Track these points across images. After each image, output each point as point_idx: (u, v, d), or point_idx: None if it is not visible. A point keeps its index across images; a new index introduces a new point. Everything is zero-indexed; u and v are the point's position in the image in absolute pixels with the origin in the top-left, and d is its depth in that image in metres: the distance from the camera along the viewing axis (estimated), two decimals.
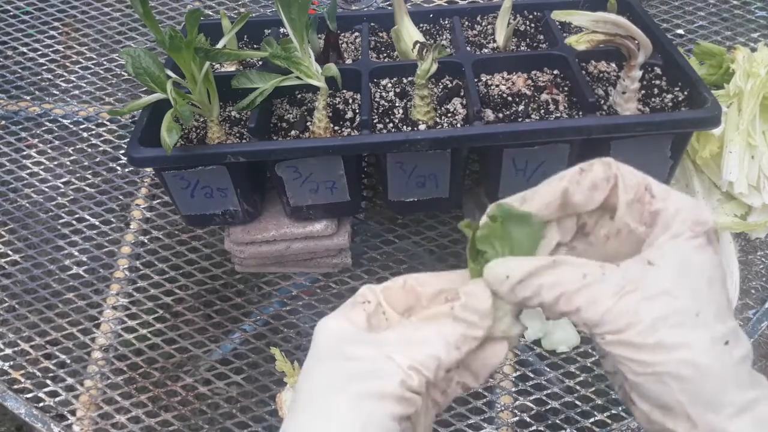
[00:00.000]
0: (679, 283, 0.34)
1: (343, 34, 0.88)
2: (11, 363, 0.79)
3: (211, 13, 1.18)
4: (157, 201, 0.94)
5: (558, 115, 0.73)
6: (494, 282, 0.36)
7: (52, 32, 1.17)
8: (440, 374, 0.36)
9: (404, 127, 0.72)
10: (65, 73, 1.10)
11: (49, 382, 0.77)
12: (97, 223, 0.91)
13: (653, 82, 0.77)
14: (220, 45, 0.70)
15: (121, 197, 0.94)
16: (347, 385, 0.35)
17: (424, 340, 0.36)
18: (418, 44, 0.68)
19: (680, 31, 1.12)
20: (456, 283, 0.39)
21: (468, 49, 0.81)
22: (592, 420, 0.72)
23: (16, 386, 0.76)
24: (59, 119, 1.04)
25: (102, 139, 1.01)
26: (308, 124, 0.74)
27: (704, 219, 0.35)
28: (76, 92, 1.07)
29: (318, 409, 0.35)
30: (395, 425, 0.34)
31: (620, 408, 0.73)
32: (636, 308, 0.33)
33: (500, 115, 0.74)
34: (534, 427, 0.72)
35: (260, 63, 0.84)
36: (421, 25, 0.88)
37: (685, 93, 0.74)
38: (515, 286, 0.35)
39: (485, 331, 0.37)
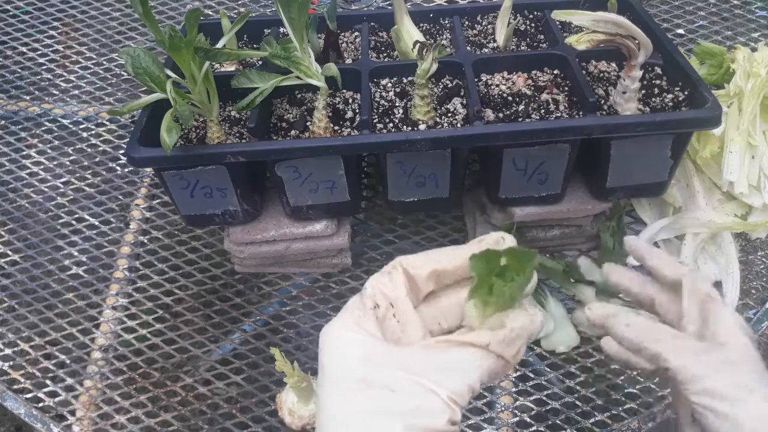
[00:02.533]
0: None
1: (343, 34, 0.88)
2: (11, 363, 0.78)
3: (210, 13, 1.18)
4: (157, 201, 0.94)
5: (558, 115, 0.73)
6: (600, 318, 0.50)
7: (51, 32, 1.17)
8: (466, 403, 0.36)
9: (404, 127, 0.72)
10: (65, 73, 1.10)
11: (48, 382, 0.77)
12: (96, 223, 0.91)
13: (654, 81, 0.77)
14: (219, 45, 0.70)
15: (120, 197, 0.94)
16: (392, 421, 0.33)
17: (459, 368, 0.35)
18: (418, 44, 0.68)
19: (681, 31, 1.12)
20: (449, 263, 0.39)
21: (468, 48, 0.81)
22: (592, 420, 0.72)
23: (15, 386, 0.76)
24: (59, 119, 1.04)
25: (102, 139, 1.01)
26: (308, 123, 0.74)
27: None
28: (76, 92, 1.07)
29: None
30: None
31: (620, 408, 0.73)
32: None
33: (500, 115, 0.73)
34: (534, 428, 0.72)
35: (260, 63, 0.84)
36: (421, 24, 0.88)
37: (686, 93, 0.74)
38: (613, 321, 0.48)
39: (516, 362, 0.38)
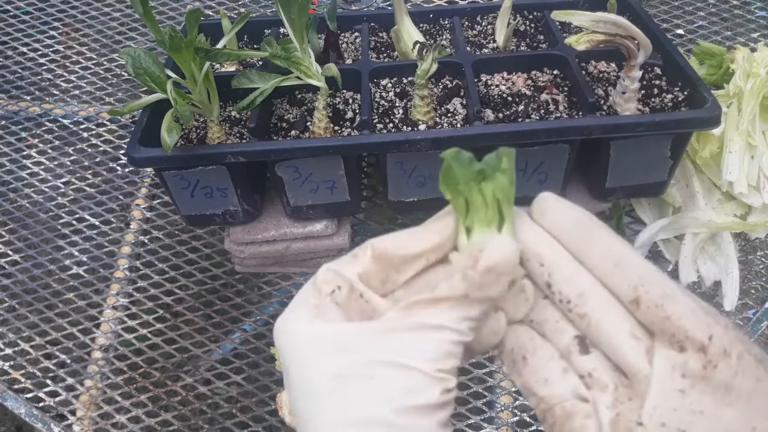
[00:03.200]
0: None
1: (343, 34, 0.88)
2: (11, 363, 0.79)
3: (211, 13, 1.18)
4: (157, 201, 0.94)
5: (558, 115, 0.73)
6: None
7: (52, 32, 1.17)
8: (459, 355, 0.30)
9: (404, 127, 0.72)
10: (65, 73, 1.10)
11: (49, 381, 0.77)
12: (97, 223, 0.91)
13: (653, 82, 0.77)
14: (220, 45, 0.70)
15: (121, 197, 0.94)
16: (380, 410, 0.28)
17: (438, 332, 0.29)
18: (418, 44, 0.68)
19: (680, 31, 1.12)
20: (434, 238, 0.32)
21: (468, 49, 0.81)
22: None
23: (16, 386, 0.76)
24: (59, 119, 1.04)
25: (102, 139, 1.01)
26: (308, 124, 0.74)
27: None
28: (76, 92, 1.07)
29: None
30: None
31: None
32: None
33: (500, 115, 0.74)
34: (534, 427, 0.72)
35: (260, 63, 0.84)
36: (421, 25, 0.88)
37: (685, 93, 0.74)
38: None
39: (491, 291, 0.30)
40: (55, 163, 0.99)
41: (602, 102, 0.74)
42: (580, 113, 0.73)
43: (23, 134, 1.02)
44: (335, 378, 0.29)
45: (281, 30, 0.88)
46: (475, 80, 0.76)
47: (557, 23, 0.84)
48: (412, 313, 0.30)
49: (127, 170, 0.97)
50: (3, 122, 1.04)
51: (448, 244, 0.33)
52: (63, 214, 0.92)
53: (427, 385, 0.29)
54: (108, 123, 1.03)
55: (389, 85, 0.79)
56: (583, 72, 0.78)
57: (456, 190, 0.32)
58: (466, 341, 0.30)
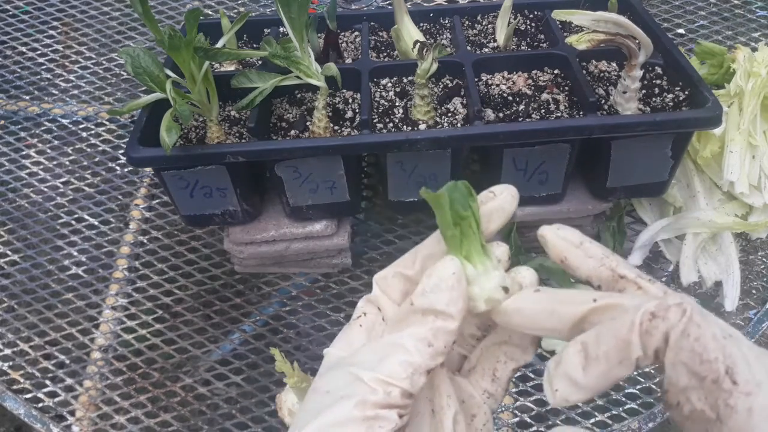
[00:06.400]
0: None
1: (342, 34, 0.88)
2: (10, 363, 0.78)
3: (210, 13, 1.18)
4: (157, 201, 0.93)
5: (558, 114, 0.73)
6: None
7: (51, 32, 1.16)
8: (419, 380, 0.31)
9: (404, 126, 0.72)
10: (64, 73, 1.10)
11: (48, 382, 0.77)
12: (96, 223, 0.91)
13: (654, 81, 0.76)
14: (219, 44, 0.70)
15: (120, 197, 0.94)
16: (313, 418, 0.30)
17: (396, 346, 0.31)
18: (418, 43, 0.68)
19: (681, 31, 1.12)
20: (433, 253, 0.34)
21: (468, 48, 0.81)
22: (592, 420, 0.72)
23: (15, 387, 0.76)
24: (58, 119, 1.04)
25: (101, 138, 1.01)
26: (308, 123, 0.74)
27: None
28: (76, 92, 1.07)
29: None
30: None
31: (620, 409, 0.73)
32: None
33: (501, 114, 0.73)
34: (534, 428, 0.72)
35: (260, 62, 0.84)
36: (422, 24, 0.88)
37: (686, 93, 0.74)
38: None
39: (460, 316, 0.32)
40: (54, 163, 0.98)
41: (603, 102, 0.74)
42: (581, 113, 0.72)
43: (22, 134, 1.02)
44: (310, 393, 0.32)
45: (281, 29, 0.88)
46: (476, 80, 0.76)
47: (558, 22, 0.84)
48: (392, 329, 0.33)
49: (126, 170, 0.97)
50: (2, 122, 1.04)
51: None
52: (62, 214, 0.92)
53: (358, 394, 0.30)
54: (107, 123, 1.03)
55: (389, 84, 0.78)
56: (584, 71, 0.77)
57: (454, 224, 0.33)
58: (418, 363, 0.31)
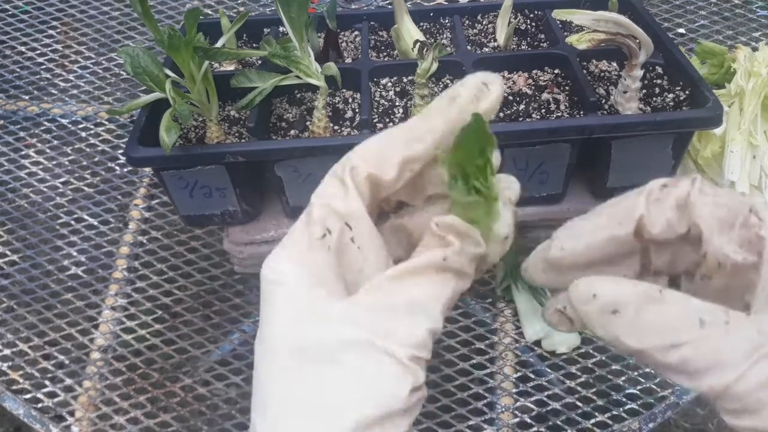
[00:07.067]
0: None
1: (342, 33, 0.88)
2: (9, 363, 0.78)
3: (210, 12, 1.18)
4: (156, 201, 0.93)
5: (559, 114, 0.73)
6: (578, 301, 0.28)
7: (50, 31, 1.16)
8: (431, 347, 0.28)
9: None
10: (64, 73, 1.10)
11: (47, 382, 0.76)
12: (95, 224, 0.91)
13: (654, 81, 0.76)
14: (219, 44, 0.70)
15: (119, 197, 0.94)
16: (340, 416, 0.25)
17: (418, 308, 0.27)
18: (419, 43, 0.68)
19: (681, 31, 1.12)
20: (422, 141, 0.29)
21: (468, 48, 0.81)
22: (593, 421, 0.72)
23: (14, 387, 0.76)
24: (58, 119, 1.03)
25: (101, 138, 1.00)
26: (308, 123, 0.74)
27: None
28: (75, 92, 1.07)
29: None
30: None
31: (621, 409, 0.73)
32: None
33: (501, 114, 0.73)
34: (535, 429, 0.72)
35: (259, 62, 0.84)
36: (422, 23, 0.88)
37: (687, 92, 0.73)
38: (608, 317, 0.27)
39: (473, 278, 0.29)
40: (54, 162, 0.98)
41: (603, 101, 0.74)
42: (581, 113, 0.72)
43: (21, 134, 1.02)
44: (296, 351, 0.26)
45: (281, 29, 0.88)
46: None
47: (558, 22, 0.83)
48: (392, 285, 0.27)
49: (125, 170, 0.97)
50: (1, 122, 1.04)
51: (443, 141, 0.30)
52: (61, 214, 0.92)
53: (398, 379, 0.26)
54: (106, 122, 1.03)
55: (389, 84, 0.78)
56: (584, 71, 0.77)
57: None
58: (439, 328, 0.28)
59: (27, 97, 1.07)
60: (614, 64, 0.79)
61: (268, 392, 0.27)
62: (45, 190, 0.95)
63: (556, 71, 0.79)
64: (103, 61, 1.12)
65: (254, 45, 0.88)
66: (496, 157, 0.31)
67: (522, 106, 0.74)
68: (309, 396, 0.26)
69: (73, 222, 0.91)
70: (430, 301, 0.27)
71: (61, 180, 0.96)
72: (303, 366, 0.26)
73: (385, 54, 0.84)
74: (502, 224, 0.31)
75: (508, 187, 0.32)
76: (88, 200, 0.93)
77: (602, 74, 0.78)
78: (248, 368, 0.77)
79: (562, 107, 0.74)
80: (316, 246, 0.28)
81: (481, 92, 0.30)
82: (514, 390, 0.75)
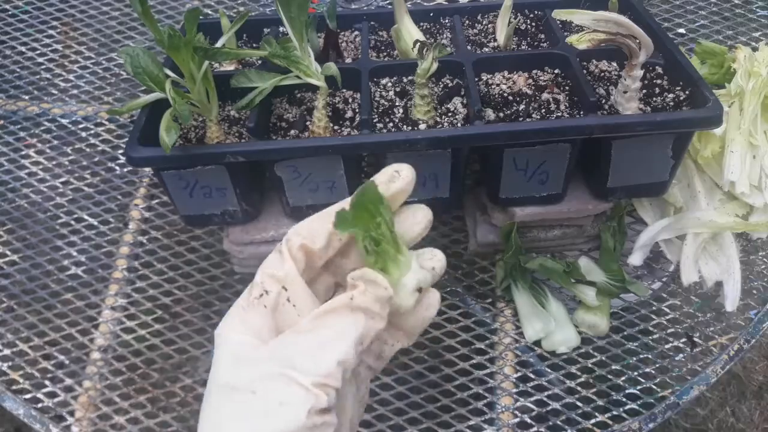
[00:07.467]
0: None
1: (342, 33, 0.88)
2: (10, 364, 0.78)
3: (210, 12, 1.18)
4: (156, 201, 0.93)
5: (559, 114, 0.73)
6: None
7: (50, 31, 1.16)
8: (347, 376, 0.32)
9: (404, 126, 0.72)
10: (64, 73, 1.10)
11: (47, 383, 0.76)
12: (95, 224, 0.91)
13: (654, 81, 0.76)
14: (219, 44, 0.70)
15: (119, 197, 0.94)
16: (248, 425, 0.30)
17: (327, 343, 0.32)
18: (419, 43, 0.68)
19: (681, 31, 1.12)
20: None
21: (468, 48, 0.81)
22: (593, 421, 0.72)
23: (14, 387, 0.76)
24: (58, 119, 1.03)
25: (101, 138, 1.01)
26: (308, 123, 0.74)
27: None
28: (75, 92, 1.07)
29: None
30: None
31: (621, 409, 0.73)
32: None
33: (501, 114, 0.73)
34: (535, 429, 0.72)
35: (259, 62, 0.84)
36: (422, 23, 0.88)
37: (687, 92, 0.73)
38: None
39: (386, 320, 0.34)
40: (54, 162, 0.98)
41: (603, 101, 0.74)
42: (582, 113, 0.72)
43: (21, 134, 1.02)
44: (227, 386, 0.31)
45: (280, 29, 0.88)
46: (476, 79, 0.76)
47: (558, 22, 0.83)
48: (310, 325, 0.33)
49: (125, 170, 0.97)
50: (1, 122, 1.04)
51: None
52: (61, 214, 0.92)
53: (299, 402, 0.30)
54: (106, 122, 1.03)
55: (389, 84, 0.78)
56: (585, 71, 0.77)
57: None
58: (349, 359, 0.32)
59: (27, 97, 1.07)
60: (614, 64, 0.79)
61: (202, 427, 0.32)
62: (45, 190, 0.95)
63: (556, 71, 0.79)
64: (103, 61, 1.12)
65: (254, 45, 0.88)
66: (413, 220, 0.38)
67: (522, 106, 0.74)
68: (224, 424, 0.31)
69: (73, 222, 0.91)
70: (340, 336, 0.32)
71: (61, 180, 0.96)
72: (228, 401, 0.31)
73: (385, 54, 0.84)
74: (410, 278, 0.36)
75: (432, 257, 0.38)
76: (88, 200, 0.93)
77: (602, 74, 0.78)
78: None
79: (562, 107, 0.74)
80: (254, 305, 0.33)
81: (392, 178, 0.38)
82: (514, 390, 0.75)
